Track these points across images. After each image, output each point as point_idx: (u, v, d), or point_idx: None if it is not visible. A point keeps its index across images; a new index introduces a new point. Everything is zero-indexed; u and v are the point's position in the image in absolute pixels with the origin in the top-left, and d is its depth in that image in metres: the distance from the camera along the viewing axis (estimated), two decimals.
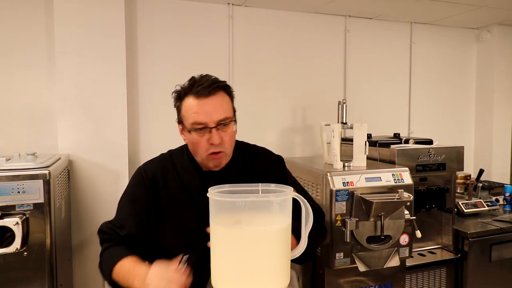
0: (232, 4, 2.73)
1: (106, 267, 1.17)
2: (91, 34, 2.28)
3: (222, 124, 1.17)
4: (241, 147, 1.38)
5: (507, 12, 2.98)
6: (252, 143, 1.43)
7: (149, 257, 1.20)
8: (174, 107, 1.27)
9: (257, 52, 2.83)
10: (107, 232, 1.26)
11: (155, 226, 1.24)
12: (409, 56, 3.31)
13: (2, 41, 2.29)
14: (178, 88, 1.23)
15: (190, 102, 1.18)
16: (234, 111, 1.26)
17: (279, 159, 1.41)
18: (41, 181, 1.68)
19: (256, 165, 1.34)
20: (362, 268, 2.03)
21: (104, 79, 2.32)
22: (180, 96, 1.22)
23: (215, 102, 1.17)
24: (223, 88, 1.21)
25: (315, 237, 1.26)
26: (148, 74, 2.59)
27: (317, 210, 1.38)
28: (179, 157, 1.33)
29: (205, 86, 1.15)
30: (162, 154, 1.39)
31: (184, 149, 1.35)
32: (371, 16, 3.10)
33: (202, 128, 1.16)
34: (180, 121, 1.26)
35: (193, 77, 1.21)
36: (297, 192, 1.33)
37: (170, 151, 1.39)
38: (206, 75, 1.21)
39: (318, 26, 2.99)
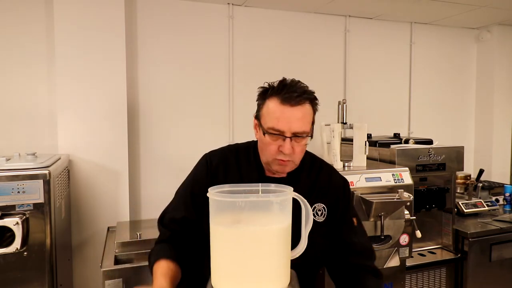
0: (232, 4, 2.73)
1: (150, 262, 1.19)
2: (91, 34, 2.28)
3: (298, 136, 1.14)
4: (308, 157, 1.32)
5: (507, 12, 2.98)
6: (319, 157, 1.39)
7: (200, 244, 1.20)
8: (256, 101, 1.22)
9: (257, 52, 2.83)
10: (165, 225, 1.26)
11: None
12: (409, 56, 3.31)
13: (2, 41, 2.29)
14: (266, 85, 1.19)
15: (274, 105, 1.14)
16: (313, 124, 1.22)
17: (344, 182, 1.34)
18: (41, 181, 1.68)
19: (320, 180, 1.29)
20: None
21: (104, 79, 2.32)
22: (266, 93, 1.18)
23: (298, 113, 1.13)
24: (310, 100, 1.18)
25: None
26: (148, 74, 2.59)
27: (368, 250, 1.31)
28: (244, 154, 1.29)
29: (294, 95, 1.12)
30: (228, 146, 1.34)
31: (251, 147, 1.30)
32: (371, 16, 3.10)
33: (278, 134, 1.13)
34: (257, 117, 1.21)
35: (284, 80, 1.17)
36: (352, 226, 1.29)
37: (236, 145, 1.33)
38: (299, 81, 1.18)
39: (318, 26, 2.99)
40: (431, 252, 2.51)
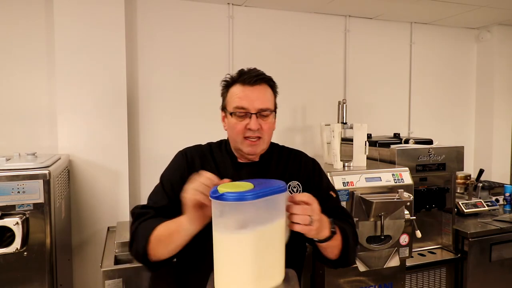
0: (232, 4, 2.73)
1: (142, 236, 1.14)
2: (91, 34, 2.28)
3: (263, 113, 1.23)
4: (277, 147, 1.42)
5: (507, 12, 2.98)
6: (288, 147, 1.46)
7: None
8: (221, 95, 1.35)
9: (257, 52, 2.83)
10: (141, 213, 1.23)
11: None
12: (409, 56, 3.31)
13: (2, 41, 2.29)
14: (228, 78, 1.31)
15: (236, 88, 1.26)
16: (276, 107, 1.31)
17: (313, 162, 1.42)
18: (41, 181, 1.68)
19: (289, 165, 1.36)
20: (362, 268, 2.03)
21: (104, 79, 2.32)
22: (228, 84, 1.30)
23: (259, 91, 1.24)
24: (268, 81, 1.28)
25: (353, 245, 1.27)
26: (148, 74, 2.59)
27: (348, 213, 1.39)
28: (217, 149, 1.38)
29: (252, 75, 1.24)
30: (201, 144, 1.43)
31: (222, 143, 1.40)
32: (371, 16, 3.10)
33: (243, 114, 1.23)
34: (223, 108, 1.32)
35: (242, 69, 1.29)
36: (331, 197, 1.34)
37: (209, 143, 1.43)
38: (254, 68, 1.29)
39: (318, 26, 2.99)
40: (431, 252, 2.51)
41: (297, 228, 0.99)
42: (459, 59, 3.50)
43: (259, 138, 1.25)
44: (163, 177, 1.33)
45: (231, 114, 1.25)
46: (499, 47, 3.39)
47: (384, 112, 3.24)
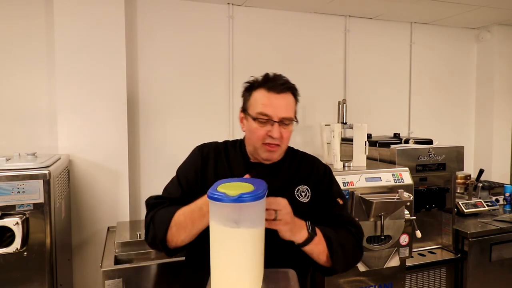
0: (232, 4, 2.73)
1: (161, 222, 1.17)
2: (91, 34, 2.28)
3: (284, 122, 1.25)
4: (291, 151, 1.43)
5: (507, 12, 2.98)
6: (302, 151, 1.48)
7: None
8: (242, 96, 1.34)
9: (257, 52, 2.83)
10: (156, 203, 1.27)
11: None
12: (409, 56, 3.31)
13: (2, 41, 2.29)
14: (251, 80, 1.30)
15: (261, 93, 1.25)
16: (295, 114, 1.32)
17: (325, 167, 1.43)
18: (41, 181, 1.68)
19: (301, 169, 1.38)
20: (362, 268, 2.03)
21: (104, 79, 2.32)
22: (252, 86, 1.29)
23: (284, 100, 1.25)
24: (292, 90, 1.29)
25: (349, 255, 1.25)
26: (147, 74, 2.58)
27: (353, 221, 1.36)
28: (232, 148, 1.40)
29: (278, 83, 1.25)
30: (218, 141, 1.45)
31: (237, 142, 1.42)
32: (371, 16, 3.10)
33: (266, 120, 1.23)
34: (244, 109, 1.31)
35: (267, 74, 1.29)
36: (338, 203, 1.34)
37: (225, 141, 1.44)
38: (280, 74, 1.30)
39: (318, 26, 2.99)
40: (431, 252, 2.51)
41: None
42: (459, 59, 3.50)
43: (277, 145, 1.26)
44: (179, 170, 1.37)
45: (254, 119, 1.25)
46: (499, 47, 3.39)
47: (384, 112, 3.24)
